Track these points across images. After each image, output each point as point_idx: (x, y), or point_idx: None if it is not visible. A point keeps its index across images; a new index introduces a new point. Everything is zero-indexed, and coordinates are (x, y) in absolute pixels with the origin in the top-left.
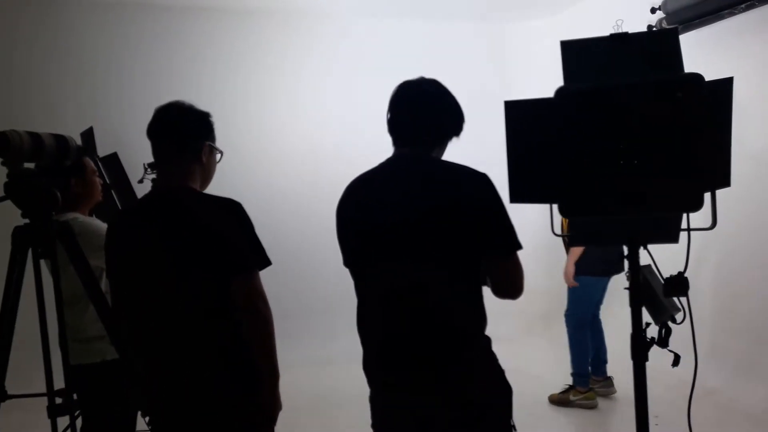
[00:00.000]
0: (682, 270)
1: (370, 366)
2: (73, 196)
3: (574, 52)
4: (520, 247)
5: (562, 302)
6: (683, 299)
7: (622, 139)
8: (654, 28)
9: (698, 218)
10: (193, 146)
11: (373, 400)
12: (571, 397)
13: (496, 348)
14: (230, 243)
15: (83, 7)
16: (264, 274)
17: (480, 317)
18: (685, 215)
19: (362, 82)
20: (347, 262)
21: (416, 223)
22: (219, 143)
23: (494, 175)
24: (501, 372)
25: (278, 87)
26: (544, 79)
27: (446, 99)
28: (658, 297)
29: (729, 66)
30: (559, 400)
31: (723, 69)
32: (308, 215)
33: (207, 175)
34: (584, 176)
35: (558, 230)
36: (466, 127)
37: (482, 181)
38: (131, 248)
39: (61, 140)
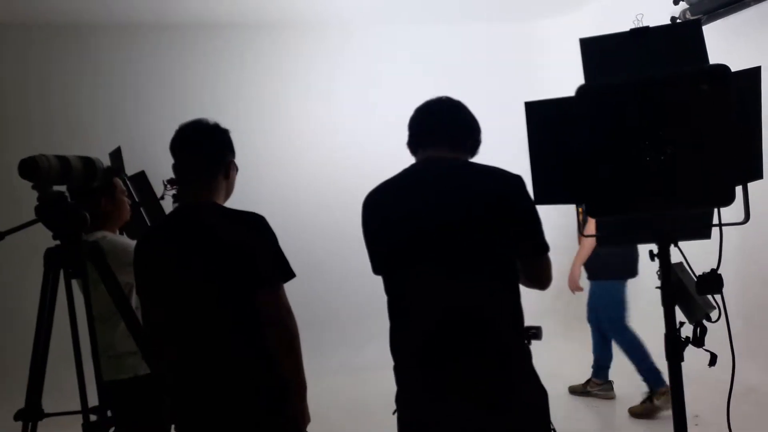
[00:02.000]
0: (714, 267)
1: (405, 370)
2: (102, 215)
3: (594, 49)
4: (548, 248)
5: (577, 302)
6: (717, 297)
7: (647, 134)
8: (678, 20)
9: (729, 213)
10: (220, 162)
11: (405, 403)
12: (656, 402)
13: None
14: (255, 257)
15: (105, 31)
16: (292, 284)
17: (518, 319)
18: (716, 210)
19: (379, 89)
20: (378, 269)
21: (451, 225)
22: (239, 157)
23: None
24: (536, 375)
25: (294, 98)
26: (569, 77)
27: (470, 115)
28: (692, 295)
29: (757, 54)
30: (644, 412)
31: (751, 58)
32: (334, 223)
33: (229, 191)
34: (610, 174)
35: (585, 230)
36: (497, 129)
37: (516, 183)
38: (159, 264)
39: (88, 162)
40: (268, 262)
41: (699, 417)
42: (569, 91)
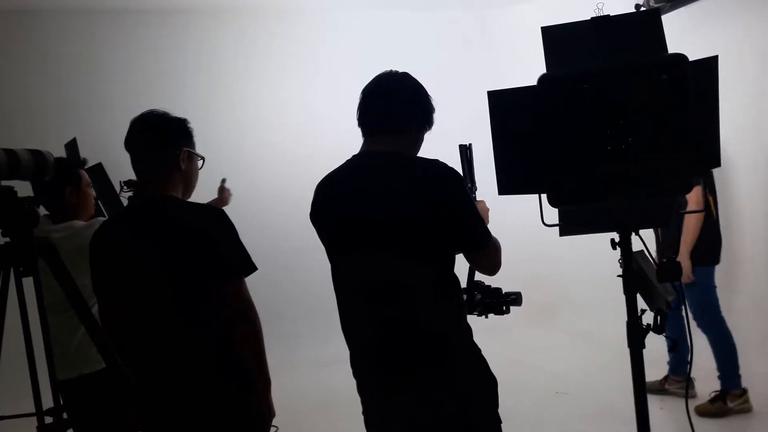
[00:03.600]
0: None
1: (354, 363)
2: (69, 207)
3: (555, 37)
4: (488, 238)
5: (560, 290)
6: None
7: (608, 124)
8: (642, 8)
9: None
10: (170, 153)
11: (362, 394)
12: (729, 404)
13: (494, 339)
14: (214, 250)
15: (60, 15)
16: (258, 278)
17: (458, 307)
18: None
19: (347, 78)
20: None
21: (386, 217)
22: (204, 147)
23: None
24: (484, 363)
25: (262, 86)
26: (532, 65)
27: (407, 89)
28: (652, 283)
29: (716, 43)
30: (717, 411)
31: (710, 46)
32: (297, 216)
33: (189, 182)
34: (572, 164)
35: (549, 220)
36: (455, 119)
37: (451, 175)
38: (115, 258)
39: (38, 156)
40: (229, 255)
41: (663, 401)
42: (533, 79)
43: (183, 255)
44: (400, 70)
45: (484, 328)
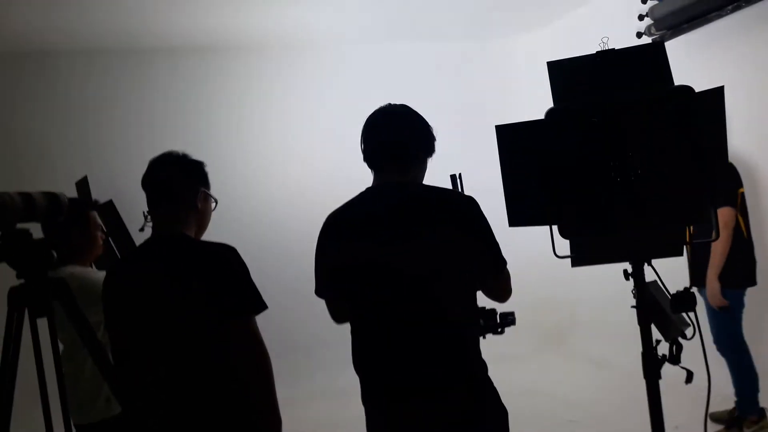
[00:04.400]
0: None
1: (370, 393)
2: (73, 248)
3: (561, 71)
4: (506, 263)
5: (572, 313)
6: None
7: (616, 155)
8: (643, 34)
9: None
10: (187, 194)
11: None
12: (745, 430)
13: (505, 367)
14: (224, 289)
15: (73, 56)
16: (269, 310)
17: (476, 341)
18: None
19: (354, 112)
20: (322, 291)
21: (407, 248)
22: (214, 188)
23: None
24: (496, 395)
25: (270, 123)
26: (537, 94)
27: (411, 119)
28: (667, 313)
29: (719, 69)
30: (728, 426)
31: (714, 72)
32: (308, 244)
33: (202, 222)
34: (582, 196)
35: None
36: (457, 147)
37: (470, 204)
38: (127, 298)
39: (52, 198)
40: (239, 294)
41: (678, 429)
42: (538, 107)
43: (192, 294)
44: (400, 100)
45: (493, 354)
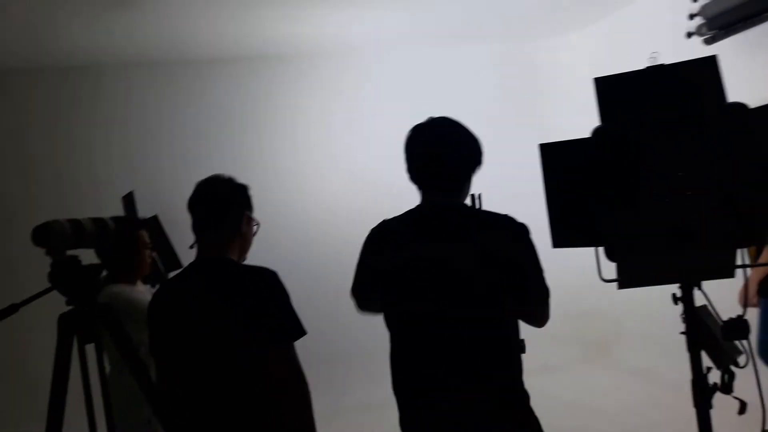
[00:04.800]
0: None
1: (409, 413)
2: (120, 267)
3: (608, 87)
4: (549, 293)
5: (617, 325)
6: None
7: (666, 176)
8: (693, 35)
9: None
10: (233, 217)
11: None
12: None
13: (548, 378)
14: (266, 315)
15: (115, 70)
16: (304, 321)
17: (518, 368)
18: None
19: (386, 120)
20: (359, 289)
21: (453, 272)
22: (264, 199)
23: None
24: (537, 422)
25: (310, 133)
26: (574, 98)
27: (455, 135)
28: (718, 340)
29: None
30: None
31: None
32: (344, 259)
33: (245, 246)
34: (629, 217)
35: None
36: (502, 154)
37: (522, 232)
38: (173, 322)
39: (100, 223)
40: (279, 320)
41: None
42: (573, 112)
43: (238, 318)
44: (440, 106)
45: (536, 367)
